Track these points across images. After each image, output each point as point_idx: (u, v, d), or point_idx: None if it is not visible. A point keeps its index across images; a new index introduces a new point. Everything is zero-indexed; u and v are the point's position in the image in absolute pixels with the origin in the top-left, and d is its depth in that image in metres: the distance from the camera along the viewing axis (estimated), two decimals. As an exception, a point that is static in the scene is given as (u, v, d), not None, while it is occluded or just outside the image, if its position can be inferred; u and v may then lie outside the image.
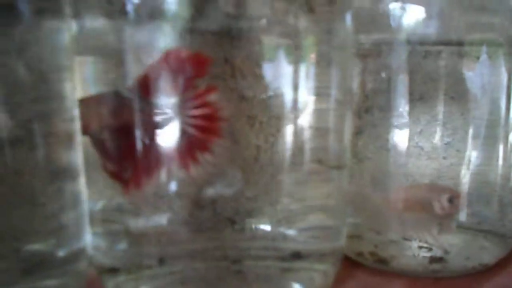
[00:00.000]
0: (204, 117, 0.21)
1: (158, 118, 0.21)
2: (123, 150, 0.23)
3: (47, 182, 0.23)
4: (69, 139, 0.24)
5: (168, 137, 0.21)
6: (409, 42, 0.28)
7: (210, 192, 0.23)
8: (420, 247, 0.29)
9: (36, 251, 0.23)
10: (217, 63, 0.22)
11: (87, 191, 0.25)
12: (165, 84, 0.21)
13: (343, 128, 0.25)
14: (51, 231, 0.23)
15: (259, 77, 0.22)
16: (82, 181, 0.24)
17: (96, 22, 0.23)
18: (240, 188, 0.23)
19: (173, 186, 0.23)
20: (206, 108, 0.21)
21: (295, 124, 0.23)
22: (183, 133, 0.21)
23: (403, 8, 0.27)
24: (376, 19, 0.29)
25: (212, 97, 0.21)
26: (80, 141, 0.24)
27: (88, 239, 0.25)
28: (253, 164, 0.23)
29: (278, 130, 0.23)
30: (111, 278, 0.25)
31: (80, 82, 0.24)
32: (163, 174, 0.22)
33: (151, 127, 0.22)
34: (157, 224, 0.24)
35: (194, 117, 0.21)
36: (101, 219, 0.25)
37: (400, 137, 0.29)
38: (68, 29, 0.23)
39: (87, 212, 0.25)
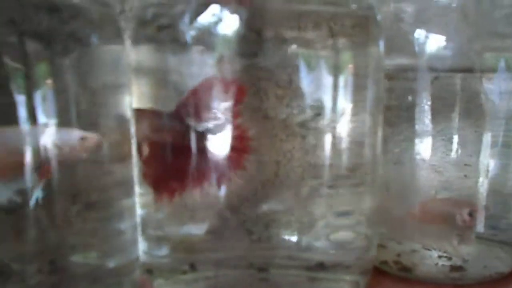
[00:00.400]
0: (235, 138, 0.24)
1: (197, 139, 0.24)
2: (160, 163, 0.25)
3: (97, 195, 0.24)
4: (123, 152, 0.26)
5: (202, 156, 0.24)
6: (430, 68, 0.30)
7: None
8: (440, 257, 0.31)
9: (73, 264, 0.23)
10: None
11: (140, 200, 0.26)
12: (205, 107, 0.23)
13: (376, 140, 0.27)
14: (95, 244, 0.24)
15: (280, 98, 0.24)
16: (136, 192, 0.26)
17: (151, 49, 0.25)
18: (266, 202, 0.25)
19: (204, 199, 0.24)
20: (236, 130, 0.24)
21: (330, 136, 0.25)
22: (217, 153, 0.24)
23: (426, 36, 0.30)
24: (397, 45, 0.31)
25: (239, 120, 0.23)
26: (134, 154, 0.26)
27: (141, 247, 0.26)
28: (274, 179, 0.25)
29: (294, 147, 0.24)
30: (154, 281, 0.26)
31: (136, 99, 0.26)
32: (195, 190, 0.24)
33: (187, 147, 0.24)
34: (186, 232, 0.26)
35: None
36: (148, 225, 0.26)
37: (407, 151, 0.31)
38: (126, 53, 0.25)
39: (140, 221, 0.26)
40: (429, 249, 0.31)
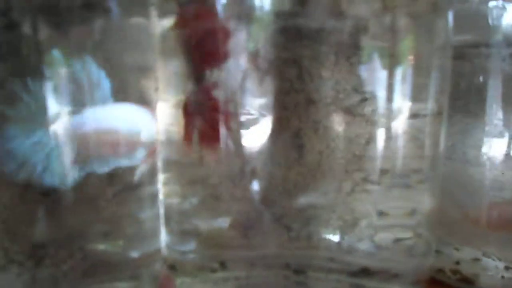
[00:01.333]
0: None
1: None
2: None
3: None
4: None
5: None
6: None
7: (303, 201, 0.22)
8: (508, 268, 0.27)
9: (101, 251, 0.23)
10: (284, 64, 0.22)
11: (164, 189, 0.24)
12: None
13: (438, 137, 0.24)
14: (119, 232, 0.23)
15: (326, 80, 0.21)
16: (159, 180, 0.24)
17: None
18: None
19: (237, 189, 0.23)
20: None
21: (382, 126, 0.22)
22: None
23: (503, 8, 0.26)
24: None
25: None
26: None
27: (163, 239, 0.25)
28: (316, 170, 0.22)
29: (337, 135, 0.22)
30: (178, 278, 0.25)
31: (162, 82, 0.24)
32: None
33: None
34: (217, 225, 0.24)
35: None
36: (174, 217, 0.25)
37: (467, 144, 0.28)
38: (153, 29, 0.23)
39: (163, 212, 0.25)
40: (492, 258, 0.28)
